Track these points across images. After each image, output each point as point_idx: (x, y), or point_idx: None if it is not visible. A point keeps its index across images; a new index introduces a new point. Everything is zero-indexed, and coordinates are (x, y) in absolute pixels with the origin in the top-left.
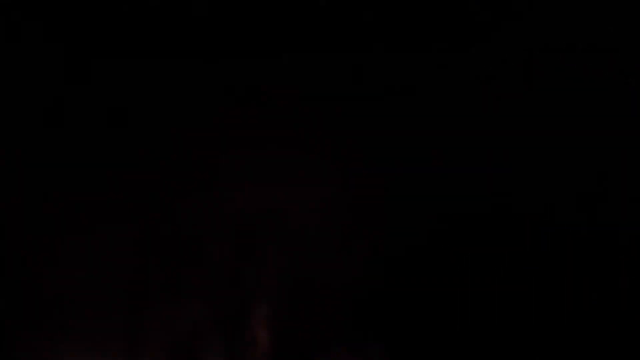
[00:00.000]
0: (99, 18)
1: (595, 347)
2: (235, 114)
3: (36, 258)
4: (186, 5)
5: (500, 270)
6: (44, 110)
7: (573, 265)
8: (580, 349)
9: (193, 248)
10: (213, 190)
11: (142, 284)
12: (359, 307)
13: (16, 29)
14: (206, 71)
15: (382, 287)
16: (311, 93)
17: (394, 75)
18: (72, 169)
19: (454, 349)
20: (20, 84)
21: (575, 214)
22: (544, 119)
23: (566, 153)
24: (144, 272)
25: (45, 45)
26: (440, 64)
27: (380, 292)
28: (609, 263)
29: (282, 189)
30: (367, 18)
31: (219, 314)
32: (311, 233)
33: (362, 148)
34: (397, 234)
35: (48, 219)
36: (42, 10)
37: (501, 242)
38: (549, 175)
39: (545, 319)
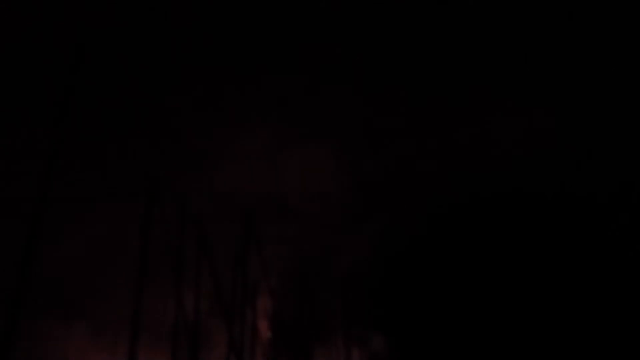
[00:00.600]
0: None
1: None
2: (236, 99)
3: (40, 241)
4: None
5: (501, 264)
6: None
7: (572, 265)
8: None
9: (197, 232)
10: (217, 173)
11: (145, 270)
12: (360, 297)
13: None
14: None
15: (384, 278)
16: (313, 79)
17: (398, 60)
18: (76, 151)
19: (456, 339)
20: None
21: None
22: None
23: None
24: (147, 258)
25: None
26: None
27: (382, 282)
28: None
29: (284, 173)
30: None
31: (222, 302)
32: (313, 219)
33: (365, 134)
34: (400, 222)
35: (53, 202)
36: None
37: (501, 233)
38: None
39: (544, 312)
